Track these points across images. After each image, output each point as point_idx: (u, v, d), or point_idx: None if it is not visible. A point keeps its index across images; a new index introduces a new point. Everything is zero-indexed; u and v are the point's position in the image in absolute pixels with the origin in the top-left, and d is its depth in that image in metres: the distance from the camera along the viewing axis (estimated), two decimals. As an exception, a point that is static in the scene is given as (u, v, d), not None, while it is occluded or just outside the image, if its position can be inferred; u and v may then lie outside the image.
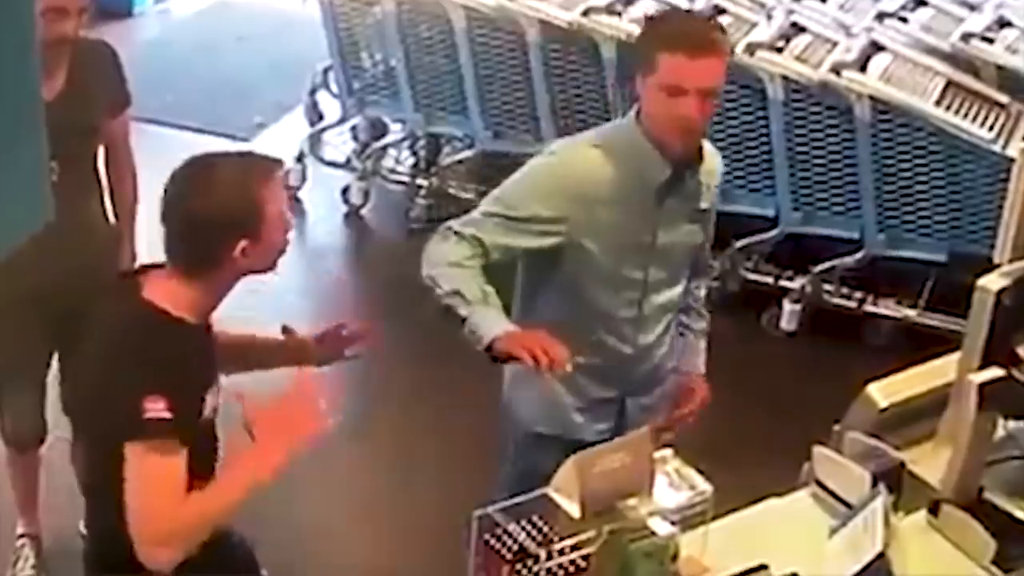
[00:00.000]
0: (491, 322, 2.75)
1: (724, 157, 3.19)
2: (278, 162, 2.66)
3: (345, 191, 5.84)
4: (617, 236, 2.95)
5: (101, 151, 3.65)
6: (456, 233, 2.89)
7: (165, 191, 2.53)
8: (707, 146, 3.04)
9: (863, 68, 4.92)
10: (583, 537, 2.38)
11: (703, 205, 3.06)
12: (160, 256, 3.51)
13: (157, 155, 3.77)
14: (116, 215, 3.69)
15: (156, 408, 2.41)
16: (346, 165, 5.93)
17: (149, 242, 3.77)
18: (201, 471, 2.53)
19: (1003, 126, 4.88)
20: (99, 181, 3.61)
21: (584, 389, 3.11)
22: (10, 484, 3.92)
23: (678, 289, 3.12)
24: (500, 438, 3.28)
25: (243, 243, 2.49)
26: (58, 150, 3.32)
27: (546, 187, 2.93)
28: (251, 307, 4.50)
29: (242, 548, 2.88)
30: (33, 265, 3.31)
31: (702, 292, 3.35)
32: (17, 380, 3.70)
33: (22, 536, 3.94)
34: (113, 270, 3.69)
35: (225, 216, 2.48)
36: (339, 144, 6.01)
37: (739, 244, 5.16)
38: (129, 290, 2.57)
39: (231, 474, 2.55)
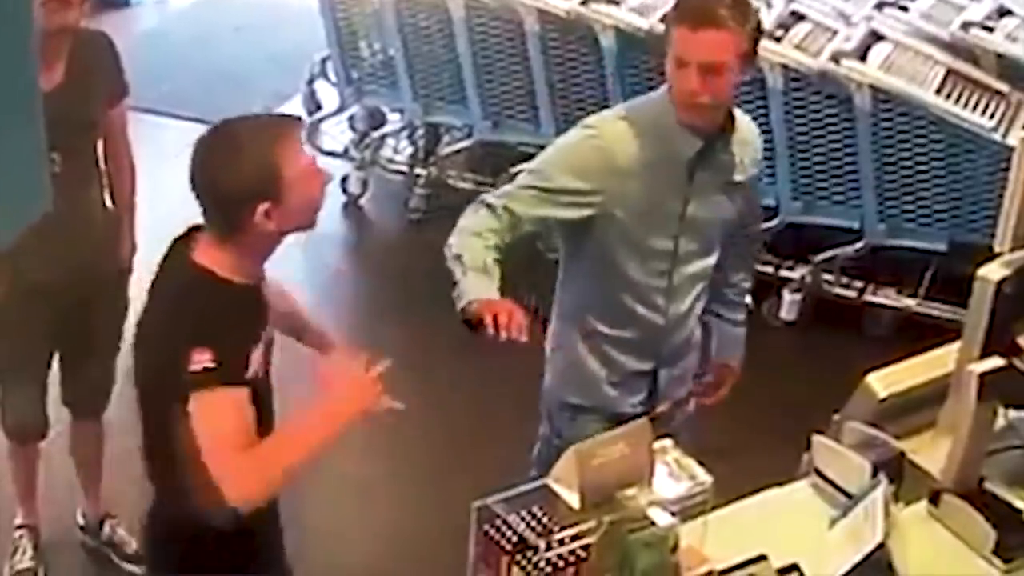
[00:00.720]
0: (475, 287, 2.78)
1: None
2: (296, 121, 2.71)
3: (343, 181, 5.82)
4: (646, 207, 2.98)
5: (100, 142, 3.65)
6: (488, 205, 2.94)
7: (192, 156, 2.59)
8: (742, 117, 3.08)
9: (863, 57, 4.91)
10: (583, 528, 2.38)
11: (737, 178, 3.08)
12: (159, 246, 3.51)
13: (154, 145, 3.78)
14: (115, 205, 3.68)
15: (203, 359, 2.47)
16: (344, 155, 5.92)
17: (148, 231, 3.78)
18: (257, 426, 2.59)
19: (1003, 115, 4.87)
20: (100, 172, 3.61)
21: (619, 363, 3.16)
22: (10, 476, 3.91)
23: (710, 260, 3.15)
24: (539, 414, 3.32)
25: (264, 206, 2.52)
26: (59, 141, 3.34)
27: (579, 160, 2.97)
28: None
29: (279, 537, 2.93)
30: (35, 257, 3.31)
31: (746, 285, 3.42)
32: (19, 373, 3.70)
33: (21, 527, 3.95)
34: (114, 261, 3.68)
35: (240, 182, 2.52)
36: (337, 134, 6.00)
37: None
38: (180, 252, 2.63)
39: (305, 422, 2.59)
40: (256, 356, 2.63)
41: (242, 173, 2.52)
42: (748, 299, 3.47)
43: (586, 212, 2.96)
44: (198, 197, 2.58)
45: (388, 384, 2.62)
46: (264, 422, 2.65)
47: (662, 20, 4.50)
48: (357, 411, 2.62)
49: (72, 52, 3.41)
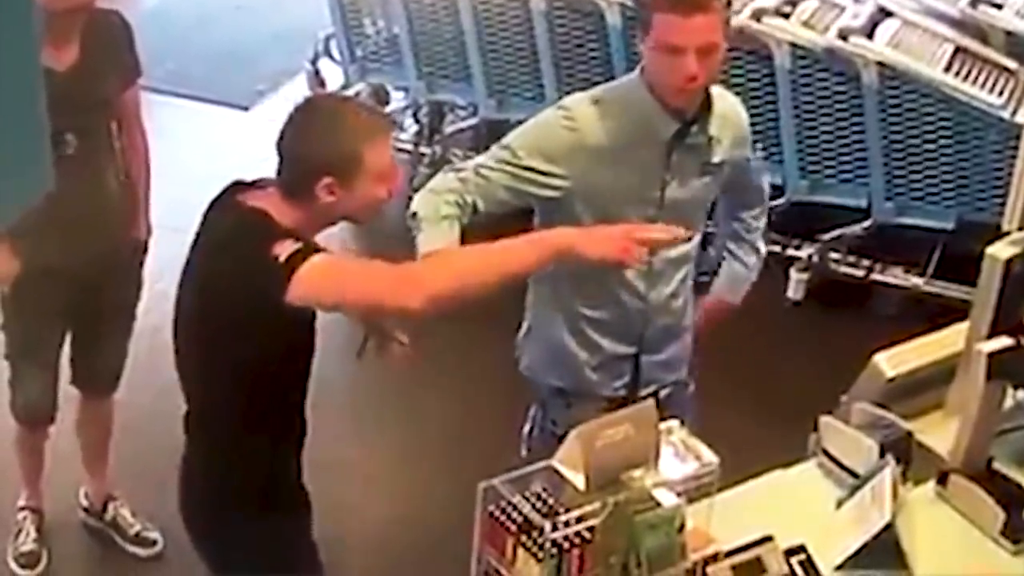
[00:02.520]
0: (428, 239, 2.84)
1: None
2: (392, 123, 2.81)
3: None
4: (622, 190, 2.97)
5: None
6: (456, 170, 2.97)
7: (286, 118, 2.69)
8: (722, 95, 3.05)
9: (870, 34, 4.87)
10: (588, 509, 2.37)
11: (716, 159, 3.05)
12: (159, 223, 3.49)
13: (158, 124, 3.76)
14: (129, 186, 3.65)
15: (285, 247, 2.51)
16: (349, 133, 5.89)
17: (159, 210, 3.77)
18: (301, 364, 2.72)
19: (1012, 92, 4.84)
20: (114, 152, 3.58)
21: (600, 345, 3.13)
22: (16, 459, 3.89)
23: (691, 243, 3.12)
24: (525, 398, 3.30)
25: (327, 180, 2.60)
26: (73, 122, 3.35)
27: (549, 142, 2.96)
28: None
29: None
30: (50, 237, 3.31)
31: (757, 223, 3.35)
32: (32, 356, 3.68)
33: (23, 509, 3.94)
34: (128, 241, 3.67)
35: (319, 149, 2.61)
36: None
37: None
38: (230, 202, 2.69)
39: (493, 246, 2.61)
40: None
41: (326, 143, 2.61)
42: (762, 244, 3.39)
43: (554, 193, 2.95)
44: (279, 151, 2.68)
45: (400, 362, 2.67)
46: (310, 354, 2.74)
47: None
48: (581, 248, 2.61)
49: (86, 31, 3.39)
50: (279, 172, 2.68)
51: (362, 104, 2.82)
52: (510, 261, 2.61)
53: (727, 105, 3.07)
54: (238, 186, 2.74)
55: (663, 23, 2.84)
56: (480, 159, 3.00)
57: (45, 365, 3.69)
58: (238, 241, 2.63)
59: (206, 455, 2.84)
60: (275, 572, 2.82)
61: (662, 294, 3.11)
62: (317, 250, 2.55)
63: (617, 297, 3.08)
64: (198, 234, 2.74)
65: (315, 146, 2.63)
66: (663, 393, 3.18)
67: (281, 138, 2.68)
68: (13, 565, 3.87)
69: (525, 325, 3.24)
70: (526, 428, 3.28)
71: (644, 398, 3.07)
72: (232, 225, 2.68)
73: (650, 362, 3.18)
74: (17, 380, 3.73)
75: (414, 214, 2.89)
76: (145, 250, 3.74)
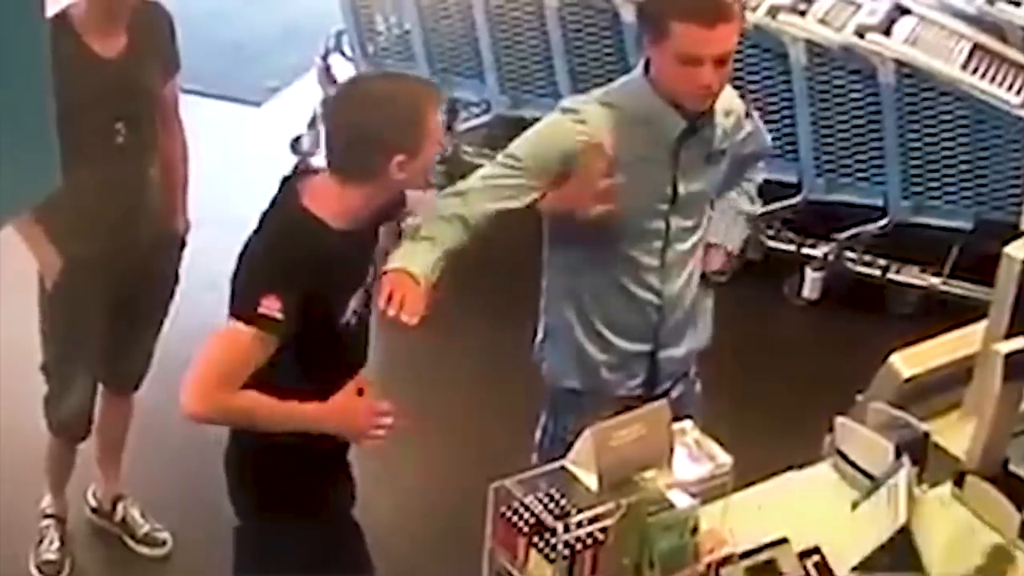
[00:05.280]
0: (399, 255, 2.79)
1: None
2: (437, 89, 2.90)
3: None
4: (634, 193, 2.94)
5: None
6: (455, 192, 2.92)
7: (332, 102, 2.74)
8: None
9: (887, 31, 4.85)
10: (601, 510, 2.36)
11: (719, 146, 3.04)
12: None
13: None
14: (169, 179, 3.62)
15: (270, 307, 2.58)
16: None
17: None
18: (338, 370, 2.74)
19: (1030, 91, 4.80)
20: (157, 144, 3.54)
21: (616, 345, 3.11)
22: (44, 465, 3.85)
23: (700, 233, 3.12)
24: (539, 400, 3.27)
25: (400, 157, 2.61)
26: (123, 111, 3.35)
27: (562, 142, 2.93)
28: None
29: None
30: (98, 228, 3.30)
31: (757, 177, 3.33)
32: (72, 362, 3.63)
33: (48, 516, 3.89)
34: (169, 235, 3.64)
35: (389, 128, 2.61)
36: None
37: (761, 211, 5.08)
38: (290, 194, 2.70)
39: (297, 408, 2.69)
40: (354, 301, 2.74)
41: (391, 120, 2.62)
42: (757, 197, 3.36)
43: None
44: (334, 138, 2.68)
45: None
46: (350, 365, 2.78)
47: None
48: (342, 431, 2.78)
49: (133, 20, 3.37)
50: (334, 160, 2.67)
51: (404, 74, 2.87)
52: (282, 425, 2.70)
53: (726, 96, 3.03)
54: (307, 173, 2.76)
55: (683, 33, 2.79)
56: (485, 171, 2.97)
57: (85, 372, 3.64)
58: (269, 254, 2.67)
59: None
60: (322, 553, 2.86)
61: (674, 289, 3.09)
62: (277, 332, 2.60)
63: (631, 295, 3.06)
64: (261, 218, 2.77)
65: (381, 126, 2.62)
66: (674, 393, 3.16)
67: (335, 125, 2.70)
68: (35, 573, 3.83)
69: (541, 331, 3.21)
70: (537, 435, 3.25)
71: (658, 397, 3.06)
72: (275, 231, 2.70)
73: (667, 358, 3.16)
74: (56, 392, 3.66)
75: (416, 228, 2.86)
76: (183, 245, 3.72)
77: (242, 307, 2.62)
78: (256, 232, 2.72)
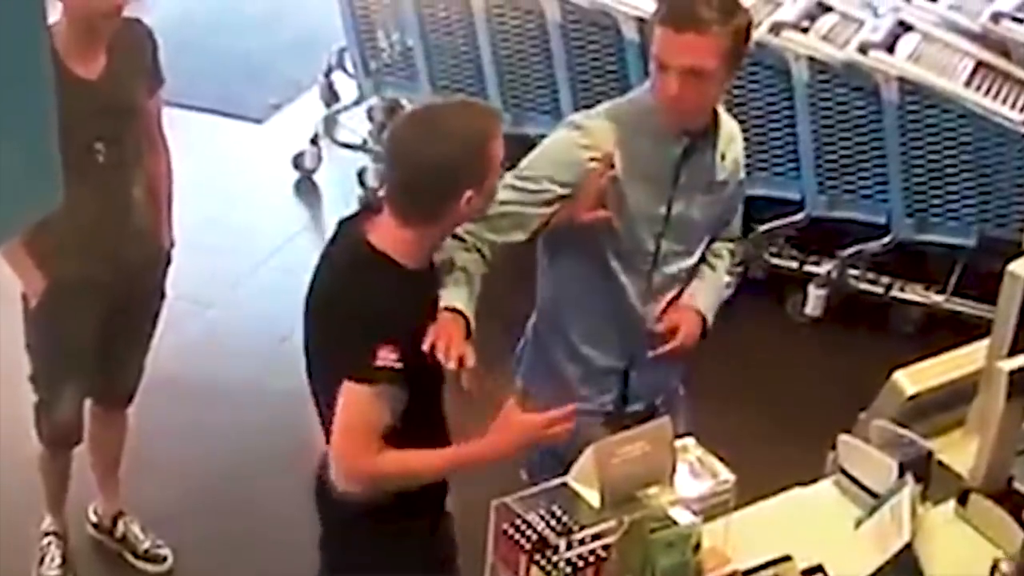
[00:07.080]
0: (445, 293, 2.73)
1: (747, 140, 3.17)
2: (498, 112, 2.84)
3: (361, 173, 5.77)
4: (630, 209, 2.94)
5: None
6: (470, 233, 2.84)
7: (392, 140, 2.62)
8: (723, 114, 3.02)
9: (891, 48, 4.84)
10: (604, 527, 2.35)
11: (720, 177, 3.02)
12: (183, 241, 3.43)
13: (170, 138, 3.74)
14: (154, 196, 3.61)
15: (388, 358, 2.51)
16: (362, 147, 5.87)
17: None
18: (426, 411, 2.68)
19: (1033, 108, 4.80)
20: (142, 161, 3.54)
21: (587, 357, 3.09)
22: (40, 482, 3.84)
23: (691, 261, 3.10)
24: None
25: (469, 193, 2.55)
26: (104, 131, 3.35)
27: (569, 159, 2.92)
28: (277, 288, 4.47)
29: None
30: (82, 247, 3.29)
31: (724, 249, 3.23)
32: (62, 377, 3.63)
33: (48, 535, 3.88)
34: (154, 252, 3.64)
35: (460, 165, 2.54)
36: (355, 126, 5.95)
37: (763, 228, 5.09)
38: (356, 237, 2.63)
39: (463, 449, 2.69)
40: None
41: (462, 156, 2.54)
42: (728, 263, 3.27)
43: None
44: (399, 179, 2.60)
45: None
46: (433, 400, 2.72)
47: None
48: (511, 452, 2.69)
49: (113, 40, 3.37)
50: (401, 201, 2.58)
51: (464, 102, 2.80)
52: (440, 472, 2.70)
53: (732, 125, 3.05)
54: (365, 213, 2.69)
55: (658, 37, 2.81)
56: (500, 195, 2.89)
57: (74, 382, 3.64)
58: (359, 281, 2.60)
59: None
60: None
61: (656, 310, 3.07)
62: (401, 381, 2.54)
63: (613, 311, 3.04)
64: (319, 264, 2.71)
65: (452, 167, 2.54)
66: (657, 400, 3.16)
67: (400, 165, 2.59)
68: None
69: (524, 339, 3.21)
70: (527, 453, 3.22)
71: (631, 414, 3.05)
72: (356, 275, 2.62)
73: (640, 377, 3.14)
74: (45, 401, 3.66)
75: (448, 260, 2.79)
76: (169, 261, 3.71)
77: (359, 367, 2.53)
78: (332, 285, 2.65)
